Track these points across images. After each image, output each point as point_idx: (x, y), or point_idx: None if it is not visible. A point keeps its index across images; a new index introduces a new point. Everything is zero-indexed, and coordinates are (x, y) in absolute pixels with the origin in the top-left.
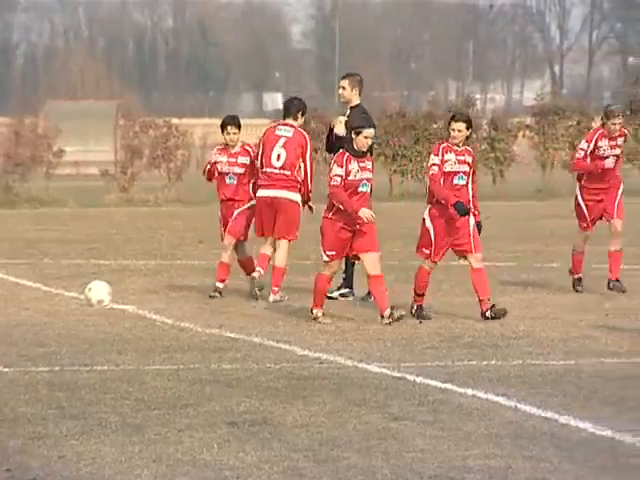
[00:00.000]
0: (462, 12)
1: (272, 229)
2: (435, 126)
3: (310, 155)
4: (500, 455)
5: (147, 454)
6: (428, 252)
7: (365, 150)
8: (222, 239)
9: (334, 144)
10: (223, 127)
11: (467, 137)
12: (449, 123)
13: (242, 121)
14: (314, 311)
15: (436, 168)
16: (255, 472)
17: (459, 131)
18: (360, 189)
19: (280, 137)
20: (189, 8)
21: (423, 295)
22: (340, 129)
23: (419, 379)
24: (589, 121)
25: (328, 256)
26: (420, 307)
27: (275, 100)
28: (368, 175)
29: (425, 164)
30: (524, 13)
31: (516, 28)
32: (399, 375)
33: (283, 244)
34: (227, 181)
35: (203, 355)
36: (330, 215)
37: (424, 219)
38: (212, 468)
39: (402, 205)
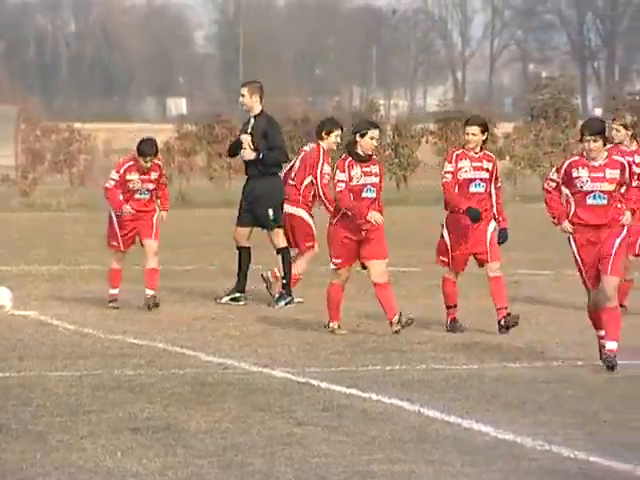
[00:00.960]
0: (366, 17)
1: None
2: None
3: (321, 170)
4: (404, 460)
5: (49, 461)
6: (446, 260)
7: (370, 153)
8: (115, 247)
9: (236, 153)
10: (141, 155)
11: (484, 141)
12: (464, 127)
13: (146, 126)
14: (330, 325)
15: (449, 176)
16: (159, 478)
17: (473, 135)
18: (364, 194)
19: (302, 151)
20: (92, 11)
21: (454, 307)
22: (248, 154)
23: (324, 384)
24: (491, 127)
25: (335, 264)
26: (453, 320)
27: (179, 105)
28: (373, 180)
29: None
30: (426, 19)
31: (419, 34)
32: (304, 380)
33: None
34: (138, 196)
35: (106, 361)
36: (335, 222)
37: (442, 226)
38: (115, 475)
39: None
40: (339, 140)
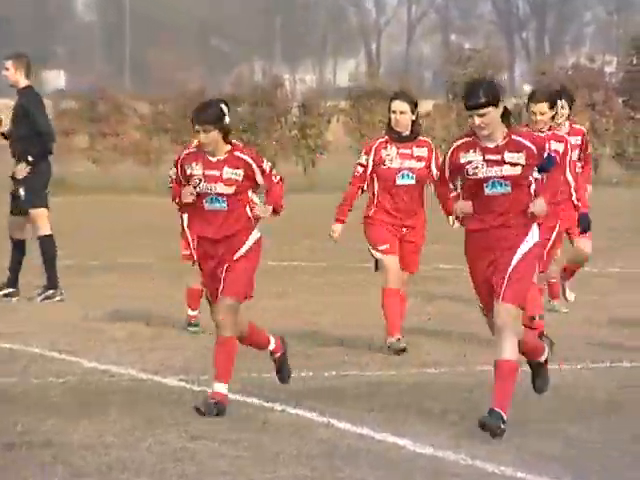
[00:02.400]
0: None
1: None
2: (239, 109)
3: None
4: (311, 477)
5: None
6: None
7: (399, 129)
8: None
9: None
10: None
11: (552, 117)
12: (527, 105)
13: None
14: (390, 339)
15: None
16: None
17: (541, 114)
18: (399, 181)
19: None
20: None
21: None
22: (20, 171)
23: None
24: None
25: (381, 251)
26: (541, 334)
27: (57, 78)
28: (414, 164)
29: None
30: None
31: (328, 1)
32: (199, 389)
33: None
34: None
35: None
36: (372, 213)
37: None
38: None
39: None
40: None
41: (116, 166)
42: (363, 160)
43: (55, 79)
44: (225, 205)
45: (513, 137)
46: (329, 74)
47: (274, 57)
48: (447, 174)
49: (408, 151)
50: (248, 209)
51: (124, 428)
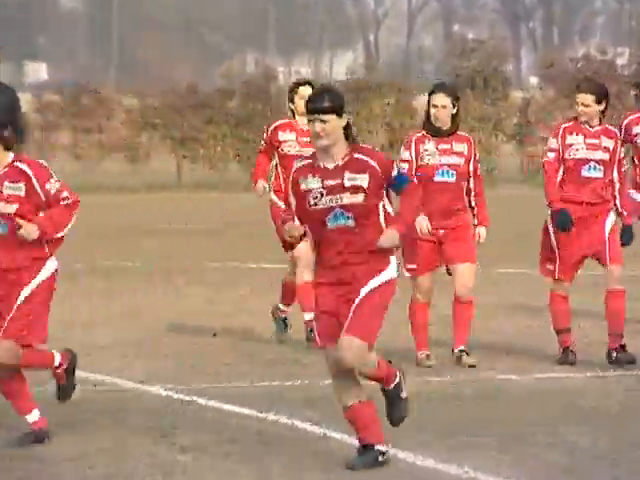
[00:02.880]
0: None
1: None
2: (231, 104)
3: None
4: None
5: None
6: (552, 268)
7: (439, 124)
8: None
9: None
10: None
11: (602, 112)
12: (576, 94)
13: None
14: (419, 355)
15: (551, 155)
16: None
17: (585, 106)
18: (437, 178)
19: None
20: None
21: (567, 331)
22: None
23: (212, 403)
24: (410, 98)
25: (409, 270)
26: (567, 349)
27: (38, 70)
28: (455, 160)
29: (219, 149)
30: None
31: None
32: (188, 398)
33: None
34: None
35: None
36: None
37: (545, 222)
38: None
39: (194, 197)
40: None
41: (101, 164)
42: (406, 155)
43: (37, 71)
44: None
45: (356, 155)
46: (325, 67)
47: (267, 49)
48: (293, 203)
49: (447, 146)
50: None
51: (109, 440)
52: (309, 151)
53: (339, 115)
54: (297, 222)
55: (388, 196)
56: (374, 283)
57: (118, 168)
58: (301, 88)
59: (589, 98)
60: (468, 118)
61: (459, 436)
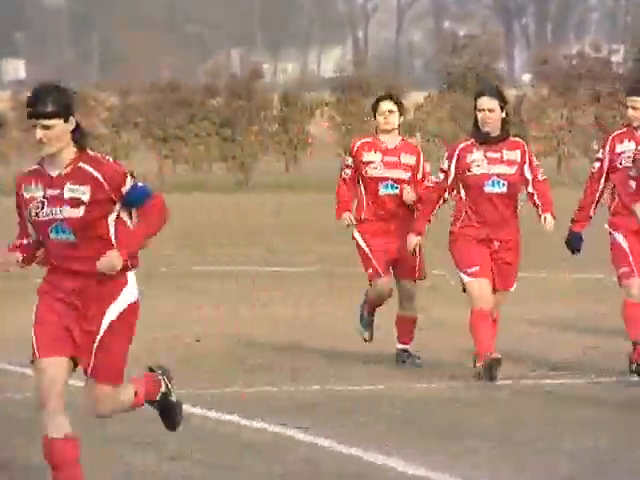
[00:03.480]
0: None
1: None
2: (215, 102)
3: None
4: None
5: None
6: (628, 270)
7: (488, 130)
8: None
9: None
10: None
11: None
12: (625, 98)
13: None
14: (477, 366)
15: (597, 165)
16: None
17: (634, 109)
18: (488, 189)
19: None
20: None
21: None
22: None
23: (198, 409)
24: (400, 95)
25: (470, 274)
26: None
27: (17, 68)
28: (505, 170)
29: (202, 148)
30: None
31: None
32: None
33: None
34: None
35: None
36: (458, 227)
37: (608, 230)
38: None
39: (176, 198)
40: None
41: None
42: (445, 165)
43: (15, 69)
44: None
45: (80, 165)
46: (313, 63)
47: (253, 44)
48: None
49: (497, 155)
50: None
51: (93, 447)
52: (398, 174)
53: (65, 118)
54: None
55: (129, 209)
56: (113, 312)
57: None
58: (381, 104)
59: None
60: (460, 117)
61: (453, 444)
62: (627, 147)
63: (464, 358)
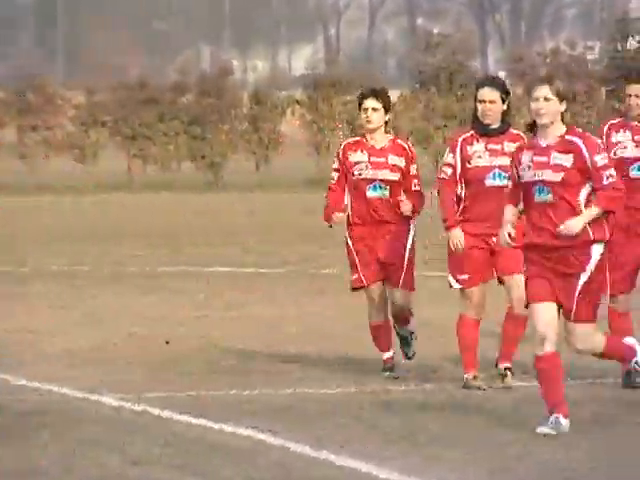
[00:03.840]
0: None
1: None
2: (185, 100)
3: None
4: None
5: None
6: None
7: (490, 122)
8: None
9: None
10: None
11: None
12: (625, 87)
13: None
14: (465, 376)
15: None
16: None
17: (637, 97)
18: (488, 182)
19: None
20: None
21: None
22: None
23: (165, 413)
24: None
25: (459, 282)
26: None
27: None
28: (506, 161)
29: (171, 147)
30: None
31: None
32: (140, 408)
33: None
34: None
35: None
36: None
37: None
38: None
39: (145, 198)
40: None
41: (47, 163)
42: (449, 159)
43: None
44: None
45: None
46: (283, 61)
47: (222, 42)
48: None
49: (498, 147)
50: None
51: (58, 452)
52: (386, 175)
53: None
54: None
55: None
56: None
57: (65, 167)
58: (365, 101)
59: None
60: (434, 116)
61: (427, 447)
62: (623, 137)
63: (445, 361)
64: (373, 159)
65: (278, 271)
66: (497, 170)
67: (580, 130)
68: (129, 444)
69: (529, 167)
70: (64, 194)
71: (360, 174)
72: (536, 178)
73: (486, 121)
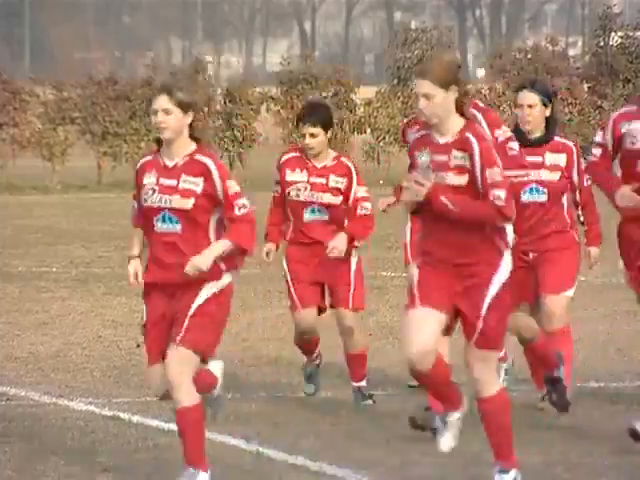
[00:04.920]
0: None
1: None
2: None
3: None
4: None
5: None
6: None
7: (528, 129)
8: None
9: None
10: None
11: None
12: None
13: None
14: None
15: (598, 152)
16: None
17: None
18: (524, 198)
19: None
20: None
21: None
22: None
23: (136, 418)
24: (348, 91)
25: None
26: None
27: None
28: (547, 176)
29: (143, 145)
30: None
31: None
32: (110, 414)
33: None
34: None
35: None
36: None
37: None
38: None
39: (114, 197)
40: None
41: (14, 161)
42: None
43: None
44: None
45: None
46: (257, 56)
47: (194, 36)
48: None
49: (539, 158)
50: None
51: (24, 459)
52: (326, 198)
53: None
54: None
55: None
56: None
57: (33, 165)
58: (301, 126)
59: None
60: (412, 113)
61: (403, 453)
62: (633, 126)
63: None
64: (313, 179)
65: (247, 272)
66: (534, 185)
67: None
68: (99, 450)
69: None
70: (31, 193)
71: (298, 195)
72: None
73: (526, 128)
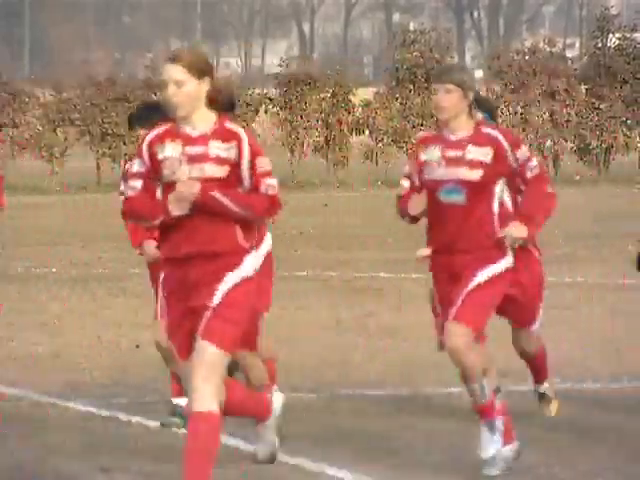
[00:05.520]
0: None
1: None
2: (155, 97)
3: None
4: None
5: None
6: None
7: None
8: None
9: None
10: None
11: None
12: None
13: None
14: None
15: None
16: None
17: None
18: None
19: None
20: None
21: None
22: None
23: (135, 419)
24: (347, 92)
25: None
26: None
27: None
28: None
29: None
30: None
31: None
32: (109, 414)
33: None
34: None
35: None
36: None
37: None
38: None
39: (114, 198)
40: None
41: (14, 162)
42: None
43: None
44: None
45: None
46: (256, 58)
47: (193, 37)
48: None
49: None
50: None
51: (23, 460)
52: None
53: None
54: None
55: None
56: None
57: (33, 166)
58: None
59: None
60: (410, 114)
61: (401, 453)
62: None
63: (418, 367)
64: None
65: None
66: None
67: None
68: (98, 451)
69: None
70: (31, 194)
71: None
72: None
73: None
